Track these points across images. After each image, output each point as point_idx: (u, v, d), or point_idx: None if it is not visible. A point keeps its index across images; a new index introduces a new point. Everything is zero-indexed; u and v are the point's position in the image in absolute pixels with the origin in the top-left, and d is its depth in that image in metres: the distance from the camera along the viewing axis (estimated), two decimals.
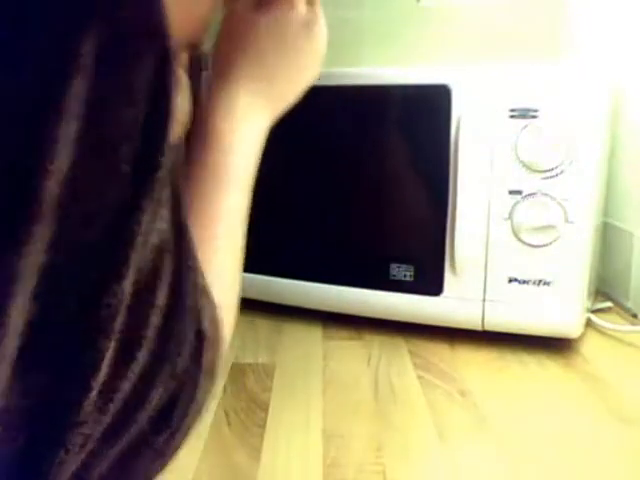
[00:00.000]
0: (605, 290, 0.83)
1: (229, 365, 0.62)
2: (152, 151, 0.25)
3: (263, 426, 0.50)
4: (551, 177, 0.61)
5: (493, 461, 0.46)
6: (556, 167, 0.61)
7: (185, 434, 0.31)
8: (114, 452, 0.27)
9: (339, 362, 0.63)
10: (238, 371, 0.60)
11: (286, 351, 0.65)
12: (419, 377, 0.59)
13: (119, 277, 0.25)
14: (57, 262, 0.23)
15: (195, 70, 0.98)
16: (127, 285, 0.25)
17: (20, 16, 0.21)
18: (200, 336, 0.31)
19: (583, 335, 0.67)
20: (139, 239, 0.25)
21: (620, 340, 0.68)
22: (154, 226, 0.26)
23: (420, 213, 0.66)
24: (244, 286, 0.76)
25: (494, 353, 0.65)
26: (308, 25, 0.43)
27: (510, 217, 0.62)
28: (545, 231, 0.61)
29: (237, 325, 0.74)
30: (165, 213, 0.27)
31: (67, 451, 0.25)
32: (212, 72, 0.45)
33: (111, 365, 0.25)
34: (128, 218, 0.25)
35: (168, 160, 0.26)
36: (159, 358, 0.28)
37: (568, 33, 1.00)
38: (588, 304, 0.69)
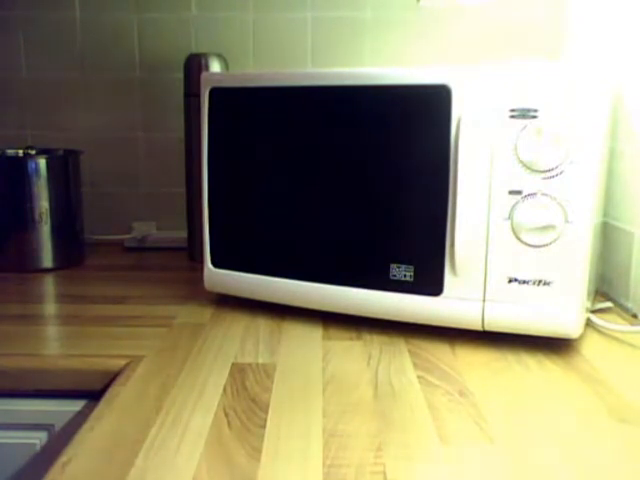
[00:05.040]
0: (605, 290, 0.83)
1: (229, 365, 0.62)
2: None
3: (263, 426, 0.50)
4: (551, 177, 0.61)
5: (493, 461, 0.46)
6: (556, 167, 0.61)
7: None
8: None
9: (339, 362, 0.63)
10: (238, 371, 0.60)
11: (286, 351, 0.65)
12: (419, 377, 0.59)
13: None
14: None
15: (194, 71, 0.99)
16: None
17: None
18: None
19: (583, 335, 0.67)
20: None
21: (620, 340, 0.68)
22: None
23: (420, 213, 0.66)
24: (244, 286, 0.77)
25: (494, 353, 0.65)
26: None
27: (510, 217, 0.62)
28: (545, 231, 0.61)
29: (237, 325, 0.75)
30: None
31: None
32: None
33: None
34: None
35: None
36: None
37: (568, 33, 1.00)
38: (588, 304, 0.69)
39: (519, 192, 0.62)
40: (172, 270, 0.96)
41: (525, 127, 0.61)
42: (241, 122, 0.73)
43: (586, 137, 0.60)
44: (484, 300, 0.64)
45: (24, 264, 0.95)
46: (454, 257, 0.64)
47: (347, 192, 0.68)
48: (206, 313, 0.76)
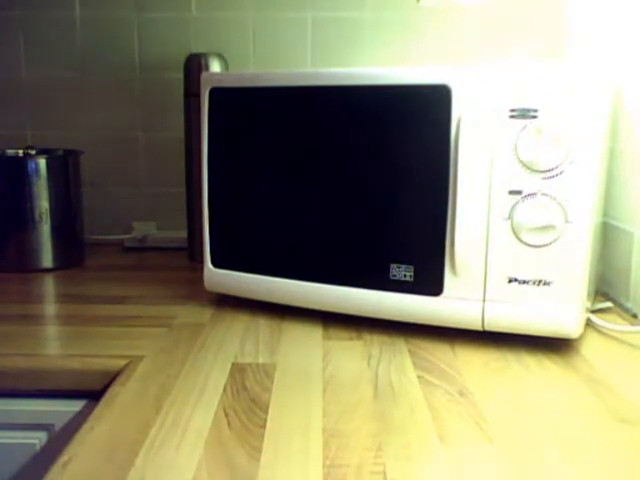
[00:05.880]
0: (605, 290, 0.83)
1: (229, 365, 0.62)
2: None
3: (263, 426, 0.50)
4: (551, 177, 0.61)
5: (493, 461, 0.46)
6: (556, 167, 0.61)
7: None
8: None
9: (339, 362, 0.63)
10: (238, 371, 0.60)
11: (286, 351, 0.65)
12: (419, 377, 0.59)
13: None
14: None
15: (194, 71, 0.99)
16: None
17: None
18: None
19: (583, 335, 0.67)
20: None
21: (620, 340, 0.68)
22: None
23: (420, 213, 0.66)
24: (244, 286, 0.77)
25: (494, 353, 0.65)
26: None
27: (510, 217, 0.62)
28: (545, 231, 0.61)
29: (237, 325, 0.75)
30: None
31: None
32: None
33: None
34: None
35: None
36: None
37: (568, 33, 1.00)
38: (588, 304, 0.69)
39: (519, 192, 0.62)
40: (172, 270, 0.96)
41: (525, 127, 0.61)
42: (241, 122, 0.73)
43: (586, 137, 0.60)
44: (484, 300, 0.64)
45: (24, 264, 0.95)
46: (454, 257, 0.64)
47: (347, 192, 0.68)
48: (206, 313, 0.76)
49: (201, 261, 0.79)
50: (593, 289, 0.74)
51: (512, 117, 0.61)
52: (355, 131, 0.67)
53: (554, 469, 0.45)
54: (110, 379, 0.61)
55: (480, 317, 0.65)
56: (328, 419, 0.52)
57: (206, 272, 0.78)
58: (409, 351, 0.65)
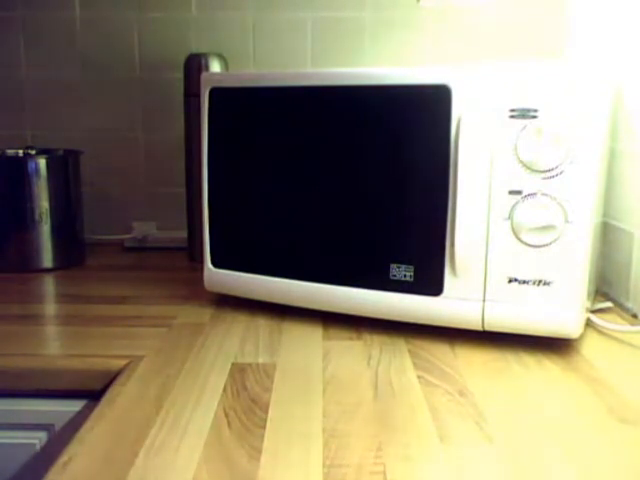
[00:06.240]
0: (605, 290, 0.83)
1: (229, 365, 0.62)
2: None
3: (263, 426, 0.50)
4: (551, 177, 0.61)
5: (493, 461, 0.46)
6: (556, 167, 0.61)
7: None
8: None
9: (339, 362, 0.63)
10: (238, 371, 0.60)
11: (286, 351, 0.65)
12: (419, 377, 0.59)
13: None
14: None
15: (194, 71, 1.00)
16: None
17: None
18: None
19: (583, 335, 0.67)
20: None
21: (620, 340, 0.68)
22: None
23: (420, 213, 0.66)
24: (244, 286, 0.77)
25: (494, 353, 0.65)
26: None
27: (510, 217, 0.62)
28: (545, 231, 0.61)
29: (237, 325, 0.75)
30: None
31: None
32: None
33: None
34: None
35: None
36: None
37: (568, 33, 1.00)
38: (588, 304, 0.69)
39: (519, 192, 0.62)
40: (172, 270, 0.96)
41: (525, 127, 0.61)
42: (241, 122, 0.73)
43: (586, 137, 0.60)
44: (484, 300, 0.64)
45: (24, 264, 0.95)
46: (454, 257, 0.64)
47: (347, 192, 0.68)
48: (206, 313, 0.76)
49: (201, 261, 0.79)
50: (593, 289, 0.74)
51: (512, 117, 0.61)
52: (355, 131, 0.67)
53: (554, 469, 0.45)
54: (110, 379, 0.61)
55: (480, 317, 0.65)
56: (328, 419, 0.52)
57: (206, 272, 0.78)
58: (409, 351, 0.65)
